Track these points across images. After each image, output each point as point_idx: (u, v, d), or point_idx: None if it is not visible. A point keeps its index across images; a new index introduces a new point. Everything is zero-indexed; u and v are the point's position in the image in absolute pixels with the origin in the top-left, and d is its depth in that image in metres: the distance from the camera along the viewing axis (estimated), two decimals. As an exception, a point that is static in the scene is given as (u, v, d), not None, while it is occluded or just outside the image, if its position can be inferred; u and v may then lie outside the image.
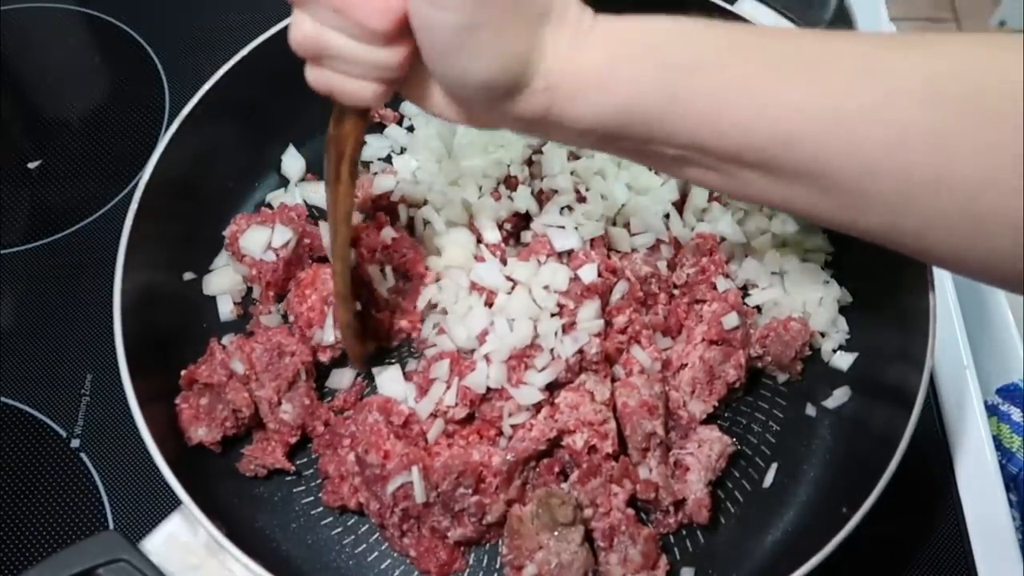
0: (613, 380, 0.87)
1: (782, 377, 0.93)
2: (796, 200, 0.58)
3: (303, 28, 0.59)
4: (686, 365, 0.89)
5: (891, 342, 0.88)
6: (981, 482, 0.91)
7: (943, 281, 1.01)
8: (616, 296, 0.90)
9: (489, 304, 0.89)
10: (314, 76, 0.62)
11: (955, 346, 0.98)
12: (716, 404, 0.89)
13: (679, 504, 0.84)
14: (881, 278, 0.92)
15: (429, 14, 0.55)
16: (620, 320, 0.89)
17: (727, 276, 0.93)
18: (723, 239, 0.96)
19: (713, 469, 0.85)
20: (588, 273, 0.88)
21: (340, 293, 0.83)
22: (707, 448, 0.85)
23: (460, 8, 0.54)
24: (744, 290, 0.95)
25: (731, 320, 0.88)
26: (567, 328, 0.86)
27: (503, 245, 0.96)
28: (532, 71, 0.58)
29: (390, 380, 0.89)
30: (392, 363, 0.92)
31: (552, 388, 0.86)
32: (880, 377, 0.89)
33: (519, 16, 0.56)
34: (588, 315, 0.87)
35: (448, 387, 0.86)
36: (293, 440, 0.87)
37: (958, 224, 0.51)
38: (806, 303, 0.94)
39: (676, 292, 0.95)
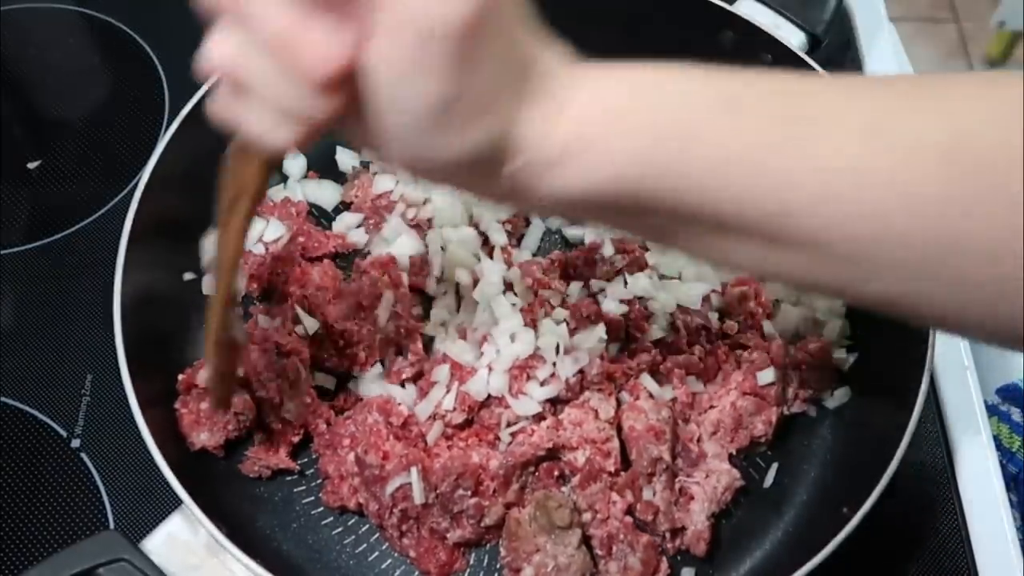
0: (618, 401, 0.87)
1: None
2: (792, 269, 0.52)
3: (225, 48, 0.47)
4: (715, 407, 0.88)
5: (891, 342, 0.88)
6: (981, 482, 0.91)
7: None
8: (651, 337, 0.89)
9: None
10: (221, 105, 0.50)
11: (955, 346, 0.98)
12: (734, 452, 0.87)
13: (677, 532, 0.83)
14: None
15: (401, 85, 0.44)
16: (643, 357, 0.88)
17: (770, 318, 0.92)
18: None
19: (718, 502, 0.84)
20: (612, 305, 0.87)
21: (214, 342, 0.72)
22: (714, 479, 0.84)
23: (443, 81, 0.44)
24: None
25: (766, 376, 0.86)
26: (568, 349, 0.86)
27: (510, 247, 0.96)
28: (509, 145, 0.48)
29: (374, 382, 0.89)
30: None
31: (555, 403, 0.86)
32: (880, 377, 0.89)
33: (503, 86, 0.47)
34: (589, 341, 0.86)
35: (448, 391, 0.86)
36: (296, 439, 0.87)
37: (974, 289, 0.47)
38: (816, 309, 0.93)
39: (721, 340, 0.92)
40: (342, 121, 0.48)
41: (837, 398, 0.91)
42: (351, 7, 0.44)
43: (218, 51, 0.47)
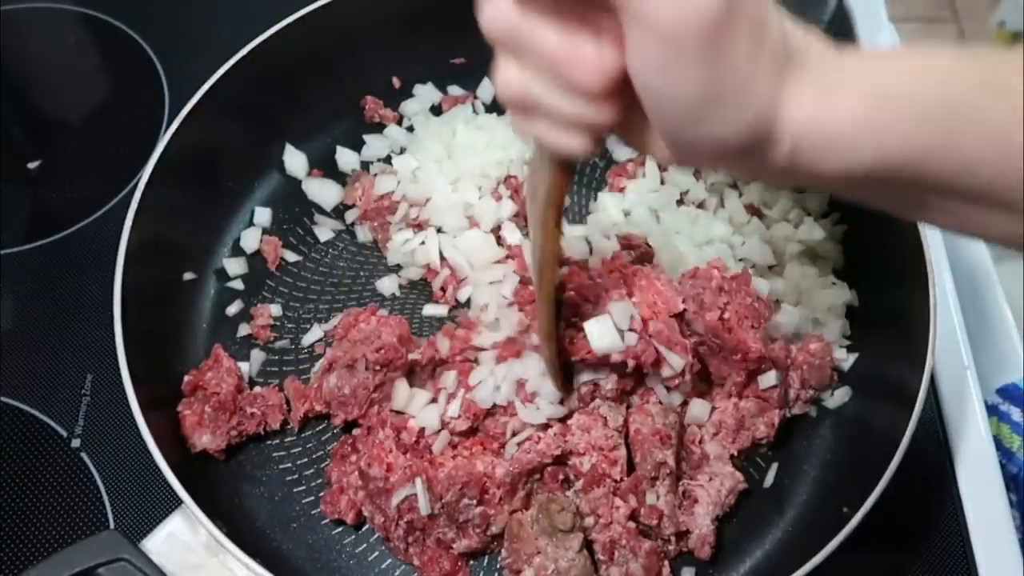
0: (628, 407, 0.86)
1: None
2: None
3: (508, 75, 0.53)
4: (717, 408, 0.87)
5: (892, 343, 0.88)
6: (981, 482, 0.91)
7: (943, 282, 1.01)
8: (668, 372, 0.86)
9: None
10: (518, 123, 0.57)
11: (955, 346, 0.98)
12: (735, 453, 0.86)
13: (681, 535, 0.83)
14: (881, 280, 0.92)
15: (659, 87, 0.49)
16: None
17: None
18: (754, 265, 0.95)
19: (722, 504, 0.83)
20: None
21: (546, 333, 0.78)
22: (718, 483, 0.84)
23: (696, 80, 0.47)
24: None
25: (768, 379, 0.86)
26: None
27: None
28: (775, 129, 0.51)
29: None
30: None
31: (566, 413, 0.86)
32: (881, 377, 0.89)
33: (760, 73, 0.49)
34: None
35: (453, 398, 0.85)
36: (304, 410, 0.87)
37: None
38: (816, 309, 0.93)
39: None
40: (621, 124, 0.54)
41: (837, 398, 0.91)
42: (607, 21, 0.48)
43: (504, 80, 0.54)
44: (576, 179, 1.06)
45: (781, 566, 0.77)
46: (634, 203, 1.00)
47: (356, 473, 0.83)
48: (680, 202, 1.00)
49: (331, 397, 0.86)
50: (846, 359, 0.92)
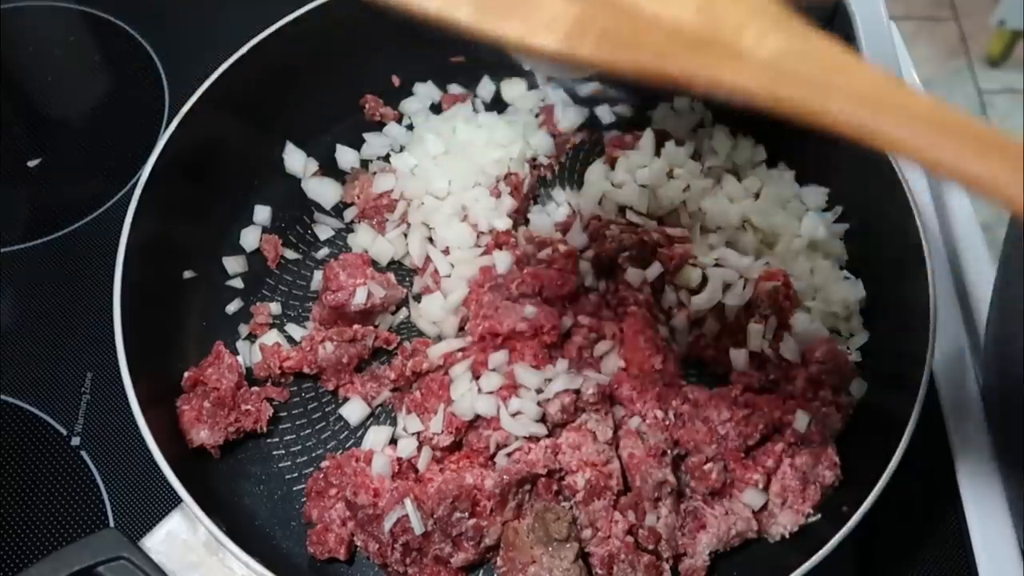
0: (615, 422, 0.85)
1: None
2: None
3: None
4: (773, 478, 0.84)
5: (892, 342, 0.88)
6: (981, 482, 0.91)
7: (945, 282, 1.01)
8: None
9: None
10: None
11: (956, 345, 0.98)
12: (811, 511, 0.83)
13: (678, 556, 0.81)
14: (881, 281, 0.92)
15: None
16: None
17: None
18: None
19: (726, 543, 0.82)
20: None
21: None
22: (731, 519, 0.82)
23: None
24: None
25: (801, 421, 0.84)
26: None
27: (512, 233, 0.96)
28: None
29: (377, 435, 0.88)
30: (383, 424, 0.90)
31: (552, 427, 0.85)
32: (880, 377, 0.89)
33: None
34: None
35: (434, 414, 0.85)
36: (309, 366, 0.90)
37: None
38: (832, 304, 0.93)
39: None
40: None
41: (857, 391, 0.89)
42: None
43: None
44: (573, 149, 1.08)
45: (781, 566, 0.77)
46: (624, 178, 1.00)
47: (338, 507, 0.83)
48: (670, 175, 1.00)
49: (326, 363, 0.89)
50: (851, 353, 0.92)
